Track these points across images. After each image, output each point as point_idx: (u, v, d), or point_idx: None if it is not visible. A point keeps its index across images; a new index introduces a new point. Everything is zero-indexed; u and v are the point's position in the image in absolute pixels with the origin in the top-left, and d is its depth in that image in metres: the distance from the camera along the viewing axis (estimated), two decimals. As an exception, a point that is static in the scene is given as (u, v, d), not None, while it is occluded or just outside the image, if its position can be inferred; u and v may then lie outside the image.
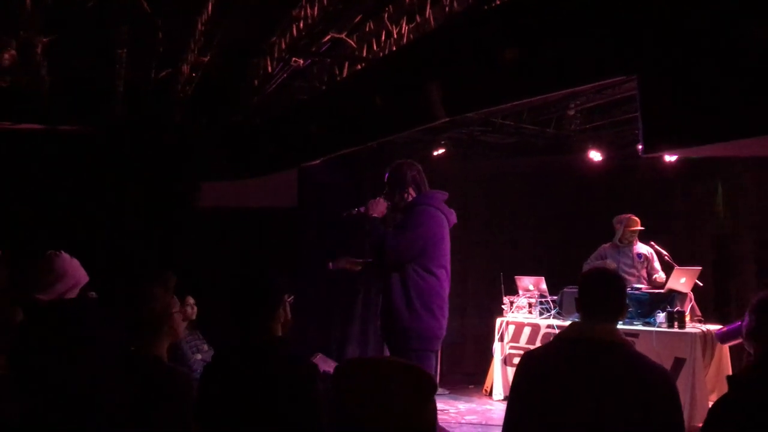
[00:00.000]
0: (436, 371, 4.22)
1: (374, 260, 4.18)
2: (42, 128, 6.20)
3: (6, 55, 4.34)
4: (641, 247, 6.84)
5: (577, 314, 2.52)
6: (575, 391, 2.30)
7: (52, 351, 1.85)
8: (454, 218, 4.22)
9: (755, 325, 2.36)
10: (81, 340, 1.91)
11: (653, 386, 2.28)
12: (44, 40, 4.40)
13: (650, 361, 2.41)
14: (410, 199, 4.17)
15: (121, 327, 2.51)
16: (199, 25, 4.29)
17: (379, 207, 4.14)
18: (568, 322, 4.65)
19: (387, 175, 4.26)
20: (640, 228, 6.77)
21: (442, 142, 7.46)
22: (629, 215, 6.78)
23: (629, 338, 6.05)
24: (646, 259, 6.79)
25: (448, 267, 4.12)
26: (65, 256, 3.32)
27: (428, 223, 4.05)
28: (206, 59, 4.65)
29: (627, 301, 2.58)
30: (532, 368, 2.47)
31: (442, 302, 4.05)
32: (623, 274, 6.52)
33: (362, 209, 4.18)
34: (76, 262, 3.34)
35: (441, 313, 4.03)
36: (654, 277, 6.70)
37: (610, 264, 6.53)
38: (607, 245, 6.93)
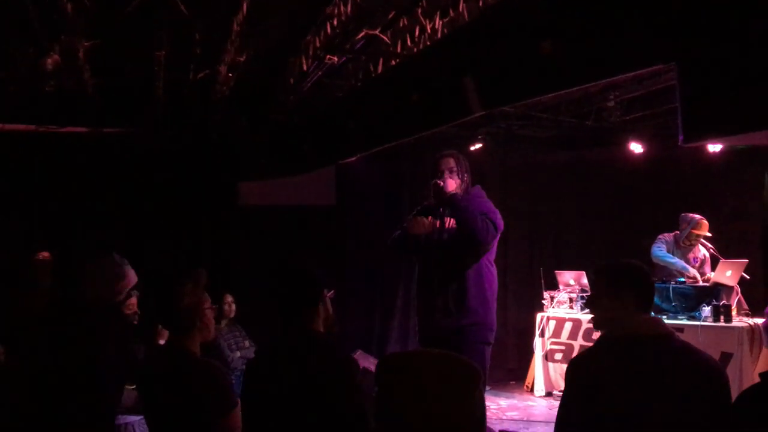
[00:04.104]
0: None
1: (469, 242, 3.90)
2: (86, 131, 6.35)
3: (49, 60, 4.45)
4: (700, 250, 6.58)
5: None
6: (635, 392, 2.21)
7: (84, 348, 1.89)
8: None
9: None
10: (110, 338, 1.96)
11: (706, 375, 2.22)
12: (86, 44, 4.50)
13: (698, 350, 2.35)
14: (469, 188, 4.07)
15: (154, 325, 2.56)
16: (235, 26, 4.33)
17: (452, 185, 3.99)
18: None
19: (454, 159, 4.06)
20: (707, 234, 6.43)
21: (479, 137, 7.41)
22: (700, 218, 6.42)
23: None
24: (701, 263, 6.59)
25: None
26: (117, 257, 3.37)
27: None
28: (242, 59, 4.70)
29: (654, 291, 2.50)
30: (584, 373, 2.35)
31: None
32: (677, 273, 6.38)
33: (441, 183, 3.98)
34: (126, 264, 3.39)
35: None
36: (704, 277, 6.48)
37: None
38: (668, 236, 6.60)
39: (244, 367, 3.02)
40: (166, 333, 3.42)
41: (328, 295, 2.65)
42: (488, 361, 4.01)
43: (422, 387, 1.33)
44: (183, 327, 2.52)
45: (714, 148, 6.48)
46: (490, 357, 4.03)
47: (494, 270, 4.04)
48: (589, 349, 2.51)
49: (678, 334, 6.21)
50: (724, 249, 6.48)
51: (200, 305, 2.58)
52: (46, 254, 5.00)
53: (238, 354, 5.54)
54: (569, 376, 2.42)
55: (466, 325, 3.89)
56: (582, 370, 2.38)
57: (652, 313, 2.47)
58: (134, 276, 3.36)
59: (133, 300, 4.94)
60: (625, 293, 2.36)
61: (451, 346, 3.76)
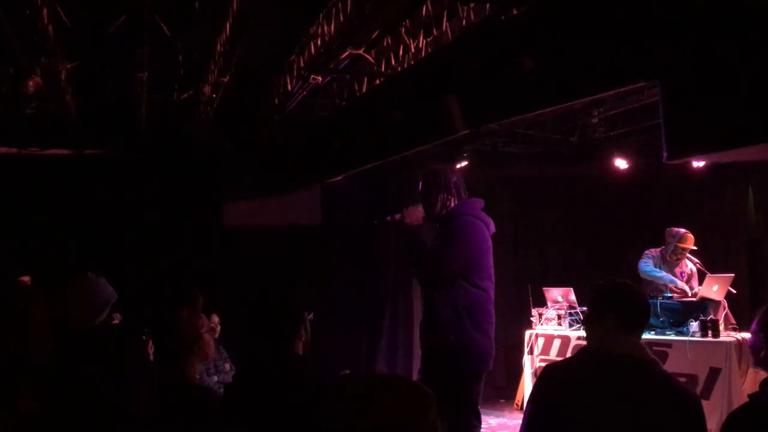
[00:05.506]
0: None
1: (419, 275, 3.89)
2: (69, 153, 6.30)
3: (31, 83, 4.41)
4: (687, 265, 6.59)
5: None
6: (597, 408, 2.22)
7: (84, 378, 1.84)
8: (492, 227, 3.90)
9: (765, 345, 2.13)
10: (111, 366, 1.91)
11: (681, 410, 2.21)
12: (68, 66, 4.47)
13: (679, 383, 2.33)
14: (451, 207, 3.83)
15: (148, 350, 2.50)
16: (218, 47, 4.32)
17: (417, 215, 3.83)
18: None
19: (425, 180, 3.90)
20: (693, 247, 6.43)
21: (465, 155, 7.42)
22: (684, 232, 6.42)
23: (662, 348, 5.94)
24: (688, 277, 6.59)
25: (493, 278, 3.84)
26: (91, 276, 3.32)
27: (475, 235, 3.75)
28: (226, 79, 4.68)
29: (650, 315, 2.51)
30: (554, 381, 2.40)
31: (491, 319, 3.77)
32: (663, 288, 6.38)
33: (397, 217, 3.87)
34: (102, 281, 3.33)
35: (491, 330, 3.76)
36: (692, 292, 6.47)
37: None
38: (655, 251, 6.60)
39: (221, 390, 2.96)
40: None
41: (308, 317, 2.62)
42: (475, 392, 3.70)
43: (367, 412, 1.31)
44: (181, 353, 2.47)
45: (698, 163, 6.52)
46: (477, 388, 3.71)
47: (478, 293, 3.72)
48: (564, 360, 2.54)
49: (666, 350, 6.17)
50: (709, 263, 6.50)
51: (198, 329, 2.53)
52: (25, 278, 4.92)
53: (215, 378, 5.42)
54: (539, 383, 2.44)
55: (439, 351, 3.67)
56: (553, 380, 2.41)
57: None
58: (113, 293, 3.30)
59: (116, 322, 4.82)
60: (608, 313, 2.36)
61: (434, 371, 3.66)
